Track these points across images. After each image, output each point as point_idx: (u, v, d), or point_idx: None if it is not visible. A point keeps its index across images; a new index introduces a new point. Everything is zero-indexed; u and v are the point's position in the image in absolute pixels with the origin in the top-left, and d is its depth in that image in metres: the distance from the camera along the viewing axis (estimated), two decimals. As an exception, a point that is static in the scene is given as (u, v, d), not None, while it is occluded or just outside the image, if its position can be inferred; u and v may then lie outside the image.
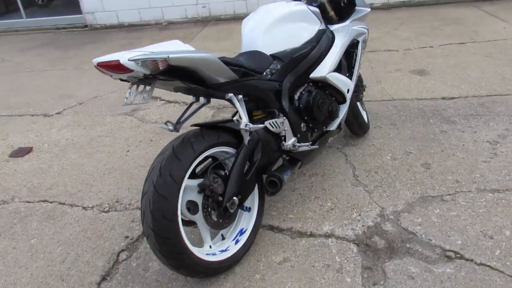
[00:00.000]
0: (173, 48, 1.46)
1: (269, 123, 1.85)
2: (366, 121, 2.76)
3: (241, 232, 1.87)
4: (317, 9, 2.14)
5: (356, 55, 2.33)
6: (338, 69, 2.23)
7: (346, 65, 2.31)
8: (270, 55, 1.94)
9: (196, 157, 1.58)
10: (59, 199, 2.46)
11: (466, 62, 3.92)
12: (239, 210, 1.87)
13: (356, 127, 2.64)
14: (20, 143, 3.26)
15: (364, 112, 2.83)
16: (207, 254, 1.70)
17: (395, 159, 2.53)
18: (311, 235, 1.99)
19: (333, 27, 2.25)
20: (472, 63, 3.88)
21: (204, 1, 6.89)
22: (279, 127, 1.89)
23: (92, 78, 4.66)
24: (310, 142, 2.10)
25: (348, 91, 2.24)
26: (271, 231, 2.04)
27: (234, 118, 1.67)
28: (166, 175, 1.50)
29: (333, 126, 2.23)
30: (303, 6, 2.07)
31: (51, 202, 2.43)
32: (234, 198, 1.68)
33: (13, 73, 5.18)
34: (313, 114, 2.06)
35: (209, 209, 1.66)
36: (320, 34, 2.11)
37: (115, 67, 1.34)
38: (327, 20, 2.35)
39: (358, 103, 2.71)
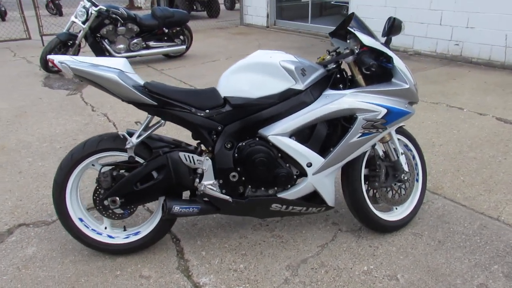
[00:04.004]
0: (107, 64, 1.85)
1: (184, 155, 1.95)
2: (385, 219, 2.17)
3: (135, 234, 2.10)
4: (291, 67, 1.90)
5: (349, 131, 1.92)
6: (307, 138, 1.96)
7: (324, 138, 1.96)
8: (224, 97, 1.97)
9: (97, 152, 1.96)
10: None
11: None
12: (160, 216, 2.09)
13: (356, 217, 2.16)
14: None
15: (399, 207, 2.27)
16: (93, 230, 2.07)
17: (367, 273, 1.97)
18: (188, 276, 1.98)
19: (326, 92, 1.95)
20: None
21: (459, 38, 6.10)
22: (194, 163, 1.95)
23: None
24: (239, 195, 2.01)
25: (309, 165, 1.93)
26: (175, 252, 2.14)
27: (120, 133, 1.92)
28: (70, 154, 1.98)
29: (284, 194, 2.01)
30: (274, 61, 1.91)
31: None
32: (117, 198, 1.96)
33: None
34: (246, 169, 1.96)
35: (100, 196, 2.01)
36: (287, 93, 1.91)
37: (53, 64, 1.87)
38: (354, 83, 2.05)
39: (376, 193, 2.19)
